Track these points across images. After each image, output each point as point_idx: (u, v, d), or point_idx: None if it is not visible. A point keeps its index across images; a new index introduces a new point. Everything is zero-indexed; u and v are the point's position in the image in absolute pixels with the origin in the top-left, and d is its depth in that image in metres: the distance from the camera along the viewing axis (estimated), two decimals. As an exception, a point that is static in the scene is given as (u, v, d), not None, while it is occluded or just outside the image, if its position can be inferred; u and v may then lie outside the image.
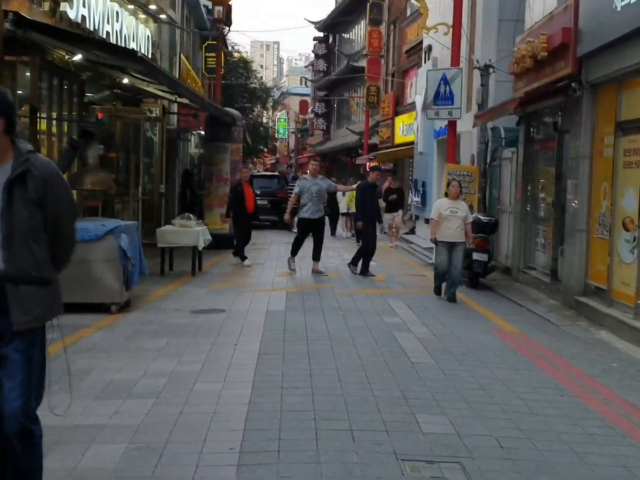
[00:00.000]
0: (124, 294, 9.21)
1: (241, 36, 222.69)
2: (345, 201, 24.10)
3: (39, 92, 9.68)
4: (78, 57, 11.01)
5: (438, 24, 16.60)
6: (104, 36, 12.87)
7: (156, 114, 15.34)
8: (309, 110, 58.72)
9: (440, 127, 20.27)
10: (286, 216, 14.79)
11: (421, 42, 25.65)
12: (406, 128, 30.39)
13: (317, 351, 7.21)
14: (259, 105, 39.16)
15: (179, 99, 14.36)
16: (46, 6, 10.95)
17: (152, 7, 16.30)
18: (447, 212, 11.00)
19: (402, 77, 32.96)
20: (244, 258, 14.52)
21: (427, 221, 20.47)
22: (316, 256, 13.50)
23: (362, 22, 41.59)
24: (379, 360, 6.95)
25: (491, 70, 15.46)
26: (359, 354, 7.15)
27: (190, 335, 7.88)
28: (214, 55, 25.71)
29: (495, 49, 15.82)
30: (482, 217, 13.18)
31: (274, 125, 65.51)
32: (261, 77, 63.01)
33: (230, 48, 37.67)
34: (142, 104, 15.45)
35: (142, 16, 16.13)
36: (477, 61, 16.08)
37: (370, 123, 36.98)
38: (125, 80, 13.53)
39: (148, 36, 15.97)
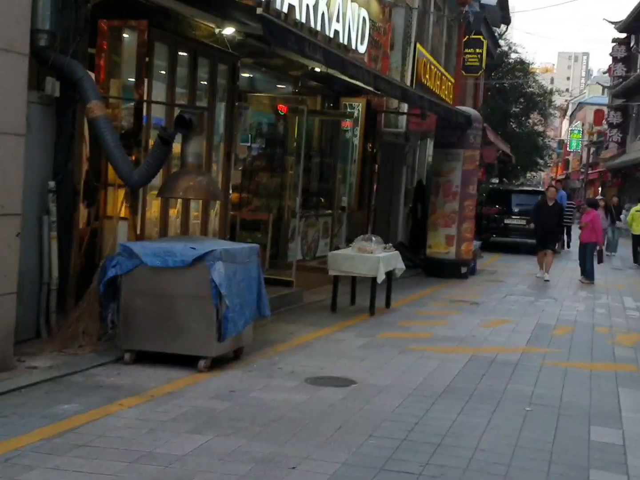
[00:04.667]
0: (214, 345, 6.58)
1: (547, 47, 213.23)
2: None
3: (144, 68, 7.43)
4: (229, 32, 8.68)
5: None
6: (285, 10, 10.39)
7: (358, 110, 12.65)
8: (604, 120, 52.58)
9: None
10: None
11: None
12: None
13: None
14: (535, 112, 34.88)
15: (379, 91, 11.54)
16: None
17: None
18: None
19: None
20: None
21: None
22: None
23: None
24: None
25: None
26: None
27: (250, 435, 5.00)
28: (473, 51, 22.47)
29: None
30: None
31: (565, 135, 59.98)
32: (567, 90, 57.81)
33: (507, 48, 33.96)
34: (346, 99, 12.84)
35: (364, -2, 13.53)
36: None
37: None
38: (317, 69, 11.08)
39: (364, 18, 13.29)
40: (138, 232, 7.53)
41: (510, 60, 33.74)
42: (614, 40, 48.15)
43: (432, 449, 4.91)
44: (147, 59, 7.46)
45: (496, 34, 31.16)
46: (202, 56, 8.47)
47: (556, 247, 21.22)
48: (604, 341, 9.32)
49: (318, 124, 13.16)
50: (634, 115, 44.67)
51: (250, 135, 11.42)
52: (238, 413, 5.45)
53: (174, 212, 8.23)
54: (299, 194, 10.29)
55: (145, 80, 7.48)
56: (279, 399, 5.89)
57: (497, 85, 32.82)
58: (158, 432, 4.95)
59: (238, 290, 6.79)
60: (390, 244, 10.65)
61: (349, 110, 12.61)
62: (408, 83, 15.96)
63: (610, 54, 48.23)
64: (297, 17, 10.85)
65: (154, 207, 7.99)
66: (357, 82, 10.64)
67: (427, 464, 4.63)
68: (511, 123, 34.75)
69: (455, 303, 11.75)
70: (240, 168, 11.02)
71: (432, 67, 17.73)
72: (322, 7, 11.62)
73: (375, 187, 15.61)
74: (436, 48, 20.13)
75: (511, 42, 34.28)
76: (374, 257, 9.88)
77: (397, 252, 10.73)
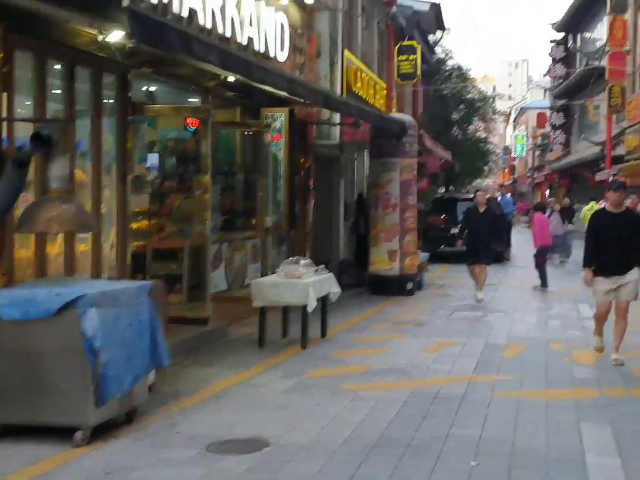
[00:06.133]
0: (91, 412, 5.38)
1: (490, 57, 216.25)
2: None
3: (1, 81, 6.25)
4: (116, 37, 7.49)
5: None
6: (186, 14, 9.27)
7: (281, 121, 11.57)
8: (547, 123, 52.43)
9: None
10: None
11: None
12: (659, 134, 24.46)
13: None
14: (476, 118, 34.29)
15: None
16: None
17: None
18: None
19: (652, 72, 26.86)
20: None
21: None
22: None
23: (605, 17, 35.75)
24: None
25: None
26: None
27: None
28: (407, 58, 21.55)
29: None
30: None
31: (510, 142, 59.94)
32: (509, 97, 57.56)
33: (444, 55, 33.34)
34: (267, 110, 11.75)
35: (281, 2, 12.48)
36: None
37: (614, 131, 31.09)
38: (231, 78, 10.01)
39: (282, 24, 12.26)
40: (4, 276, 6.31)
41: (447, 67, 33.09)
42: (552, 41, 48.05)
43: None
44: (4, 70, 6.28)
45: (431, 42, 30.55)
46: (81, 66, 7.30)
47: (505, 254, 20.53)
48: (559, 360, 8.33)
49: (240, 138, 12.06)
50: (576, 115, 44.49)
51: (159, 154, 10.26)
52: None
53: (54, 249, 7.02)
54: (209, 217, 9.14)
55: (4, 95, 6.30)
56: (167, 477, 4.73)
57: (436, 93, 32.12)
58: None
59: (122, 339, 5.62)
60: (323, 266, 9.54)
61: (269, 120, 11.53)
62: (338, 92, 14.97)
63: (550, 55, 48.07)
64: (202, 22, 9.81)
65: (30, 244, 6.78)
66: (270, 89, 9.57)
67: None
68: (453, 130, 34.13)
69: (398, 325, 10.70)
70: (148, 191, 9.85)
71: (364, 74, 16.78)
72: (230, 11, 10.58)
73: (312, 203, 14.56)
74: (368, 55, 19.21)
75: (447, 49, 33.68)
76: (303, 283, 8.77)
77: (330, 274, 9.66)
